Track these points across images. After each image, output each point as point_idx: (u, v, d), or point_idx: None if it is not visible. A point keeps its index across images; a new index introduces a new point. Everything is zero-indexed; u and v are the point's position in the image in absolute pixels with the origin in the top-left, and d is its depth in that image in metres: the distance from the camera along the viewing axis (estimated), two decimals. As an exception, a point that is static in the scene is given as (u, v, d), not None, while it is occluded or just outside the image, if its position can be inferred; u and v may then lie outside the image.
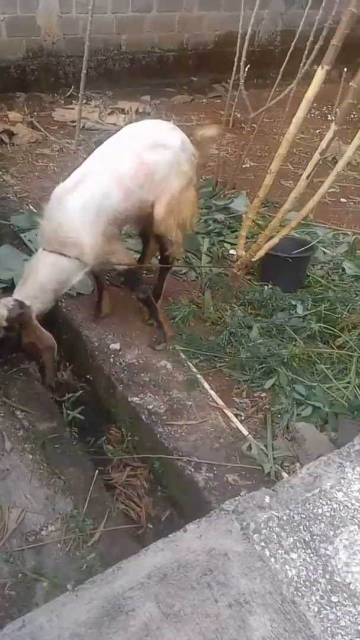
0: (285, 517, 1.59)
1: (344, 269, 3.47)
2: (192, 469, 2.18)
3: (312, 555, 1.50)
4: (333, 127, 2.48)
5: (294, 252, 3.10)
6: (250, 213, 3.05)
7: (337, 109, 2.62)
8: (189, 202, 2.72)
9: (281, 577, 1.44)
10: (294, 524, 1.57)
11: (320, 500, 1.65)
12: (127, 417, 2.51)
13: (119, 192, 2.47)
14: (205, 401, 2.51)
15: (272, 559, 1.48)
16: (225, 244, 3.64)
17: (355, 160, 4.95)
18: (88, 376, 2.82)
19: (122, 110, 5.89)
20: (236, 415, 2.44)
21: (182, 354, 2.74)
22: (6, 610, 1.78)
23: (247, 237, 3.20)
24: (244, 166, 4.58)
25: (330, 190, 3.40)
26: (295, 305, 3.01)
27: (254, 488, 1.81)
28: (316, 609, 1.38)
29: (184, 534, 1.54)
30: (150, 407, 2.45)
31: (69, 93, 6.18)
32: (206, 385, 2.59)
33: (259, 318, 2.96)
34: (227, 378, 2.64)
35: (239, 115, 5.21)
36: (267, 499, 1.64)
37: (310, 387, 2.53)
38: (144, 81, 6.64)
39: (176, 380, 2.60)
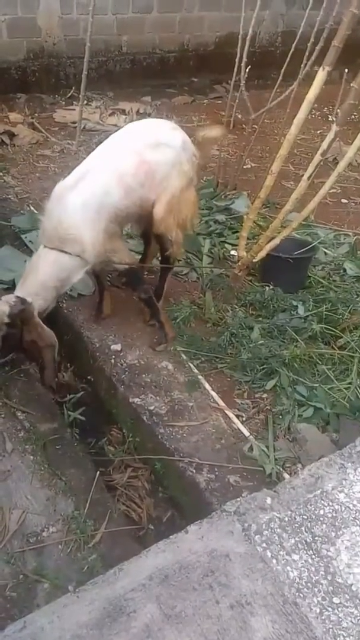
0: (286, 518, 1.59)
1: (345, 270, 3.47)
2: (194, 470, 2.18)
3: (313, 556, 1.50)
4: (334, 128, 2.48)
5: (295, 252, 3.09)
6: (251, 214, 3.05)
7: (338, 110, 2.63)
8: (189, 202, 2.73)
9: (283, 579, 1.43)
10: (296, 525, 1.57)
11: (322, 502, 1.64)
12: (128, 418, 2.51)
13: (120, 190, 2.47)
14: (206, 402, 2.51)
15: (274, 560, 1.48)
16: (226, 245, 3.64)
17: (356, 161, 4.95)
18: (89, 377, 2.82)
19: (123, 111, 5.90)
20: (237, 416, 2.44)
21: (183, 355, 2.74)
22: (7, 612, 1.78)
23: (248, 238, 3.20)
24: (245, 167, 4.58)
25: (331, 191, 3.39)
26: (297, 306, 3.00)
27: (256, 489, 1.81)
28: (318, 611, 1.38)
29: (185, 535, 1.53)
30: (152, 408, 2.44)
31: (69, 94, 6.19)
32: (207, 386, 2.58)
33: (260, 319, 2.96)
34: (229, 379, 2.64)
35: (239, 116, 5.23)
36: (269, 500, 1.63)
37: (312, 388, 2.53)
38: (145, 82, 6.64)
39: (177, 381, 2.60)
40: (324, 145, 2.53)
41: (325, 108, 6.34)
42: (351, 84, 2.38)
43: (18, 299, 2.36)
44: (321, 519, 1.59)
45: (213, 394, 2.54)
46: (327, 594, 1.41)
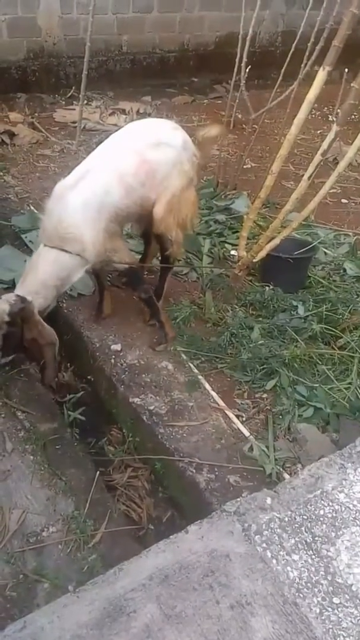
0: (286, 519, 1.59)
1: (345, 270, 3.47)
2: (194, 470, 2.18)
3: (313, 556, 1.50)
4: (334, 128, 2.48)
5: (295, 252, 3.09)
6: (252, 214, 3.05)
7: (339, 110, 2.63)
8: (189, 201, 2.72)
9: (283, 579, 1.43)
10: (296, 525, 1.57)
11: (322, 502, 1.64)
12: (128, 418, 2.51)
13: (120, 189, 2.47)
14: (206, 402, 2.51)
15: (274, 561, 1.48)
16: (226, 245, 3.64)
17: (356, 161, 4.95)
18: (89, 377, 2.81)
19: (123, 111, 5.90)
20: (237, 416, 2.44)
21: (183, 355, 2.74)
22: (7, 611, 1.78)
23: (248, 238, 3.20)
24: (245, 167, 4.58)
25: (331, 191, 3.39)
26: (297, 306, 3.00)
27: (256, 489, 1.81)
28: (318, 611, 1.38)
29: (185, 535, 1.53)
30: (152, 408, 2.44)
31: (69, 94, 6.18)
32: (207, 386, 2.58)
33: (260, 319, 2.96)
34: (229, 379, 2.64)
35: (240, 116, 5.22)
36: (269, 500, 1.63)
37: (312, 388, 2.53)
38: (145, 82, 6.64)
39: (177, 381, 2.60)
40: (324, 145, 2.53)
41: (326, 108, 6.34)
42: (351, 84, 2.38)
43: (18, 298, 2.36)
44: (321, 519, 1.59)
45: (213, 394, 2.54)
46: (327, 594, 1.41)
